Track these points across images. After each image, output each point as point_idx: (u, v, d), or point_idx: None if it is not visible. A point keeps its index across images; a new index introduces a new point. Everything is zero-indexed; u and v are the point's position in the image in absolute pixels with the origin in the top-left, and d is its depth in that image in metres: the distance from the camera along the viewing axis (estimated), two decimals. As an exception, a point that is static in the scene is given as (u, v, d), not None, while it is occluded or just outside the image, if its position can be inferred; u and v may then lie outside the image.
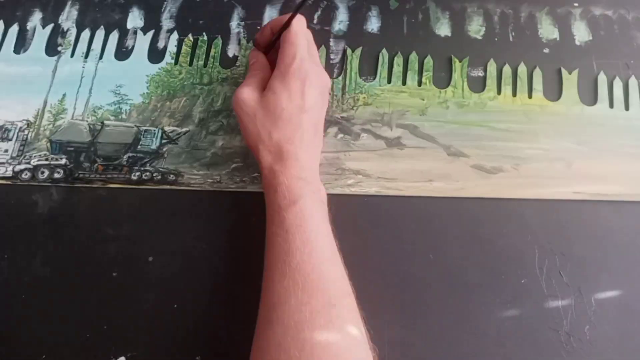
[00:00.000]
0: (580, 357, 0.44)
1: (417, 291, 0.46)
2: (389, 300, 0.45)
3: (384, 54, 0.56)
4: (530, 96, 0.54)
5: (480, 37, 0.57)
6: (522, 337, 0.45)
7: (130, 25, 0.59)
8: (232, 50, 0.57)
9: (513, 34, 0.57)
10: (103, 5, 0.60)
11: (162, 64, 0.56)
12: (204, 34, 0.58)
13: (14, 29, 0.59)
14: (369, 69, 0.55)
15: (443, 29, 0.57)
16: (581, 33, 0.57)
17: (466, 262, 0.47)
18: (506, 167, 0.51)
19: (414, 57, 0.56)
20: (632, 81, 0.54)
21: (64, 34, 0.59)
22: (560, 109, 0.53)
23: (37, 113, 0.54)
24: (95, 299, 0.47)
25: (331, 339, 0.35)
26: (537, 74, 0.55)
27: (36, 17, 0.59)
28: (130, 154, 0.52)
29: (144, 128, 0.53)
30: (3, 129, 0.53)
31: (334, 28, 0.57)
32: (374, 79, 0.55)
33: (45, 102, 0.55)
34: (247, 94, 0.45)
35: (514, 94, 0.54)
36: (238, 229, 0.49)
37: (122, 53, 0.57)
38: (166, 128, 0.53)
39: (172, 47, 0.57)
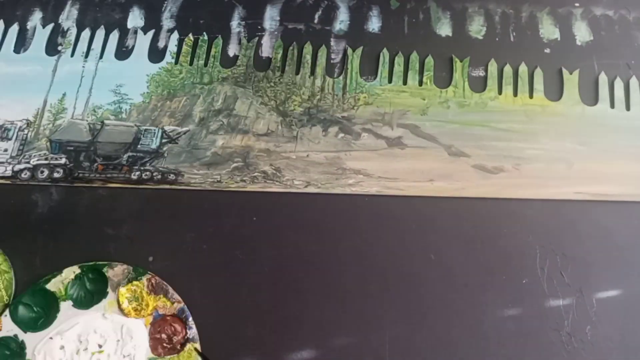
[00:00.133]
0: (581, 357, 0.44)
1: (418, 291, 0.46)
2: (390, 300, 0.45)
3: (385, 54, 0.56)
4: (531, 96, 0.54)
5: (481, 37, 0.57)
6: (524, 337, 0.44)
7: (130, 24, 0.59)
8: (232, 49, 0.57)
9: (514, 34, 0.57)
10: (103, 5, 0.60)
11: (163, 64, 0.56)
12: (204, 33, 0.58)
13: (14, 28, 0.59)
14: (369, 69, 0.55)
15: (444, 29, 0.57)
16: (582, 33, 0.57)
17: (467, 262, 0.47)
18: (507, 167, 0.50)
19: (414, 56, 0.56)
20: (633, 81, 0.54)
21: (64, 33, 0.58)
22: (561, 109, 0.53)
23: (37, 112, 0.54)
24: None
25: None
26: (538, 74, 0.55)
27: (36, 17, 0.59)
28: (130, 154, 0.52)
29: (144, 127, 0.53)
30: (3, 129, 0.53)
31: (335, 28, 0.57)
32: (375, 78, 0.55)
33: (45, 102, 0.55)
34: None
35: (515, 94, 0.54)
36: (238, 228, 0.49)
37: (123, 52, 0.57)
38: (166, 127, 0.53)
39: (172, 47, 0.57)
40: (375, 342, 0.44)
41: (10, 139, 0.53)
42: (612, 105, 0.53)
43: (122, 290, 0.46)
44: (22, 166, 0.51)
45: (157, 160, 0.52)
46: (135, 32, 0.58)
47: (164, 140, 0.53)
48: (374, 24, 0.58)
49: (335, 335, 0.44)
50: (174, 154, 0.52)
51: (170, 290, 0.46)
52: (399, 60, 0.56)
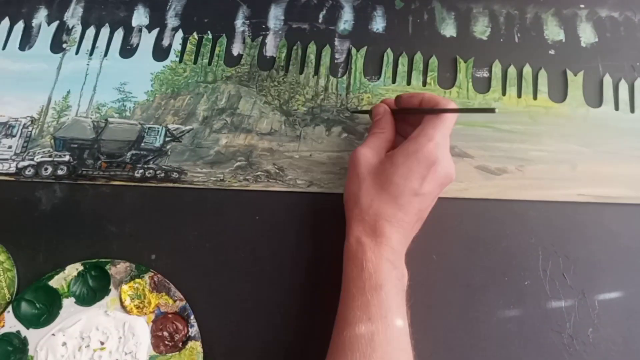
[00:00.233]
0: (583, 359, 0.44)
1: (420, 292, 0.45)
2: (392, 301, 0.45)
3: (389, 54, 0.56)
4: (535, 97, 0.54)
5: (485, 38, 0.57)
6: (525, 338, 0.44)
7: (135, 23, 0.59)
8: (236, 48, 0.57)
9: (518, 35, 0.57)
10: (108, 3, 0.60)
11: (167, 62, 0.56)
12: (208, 32, 0.58)
13: (19, 25, 0.59)
14: (373, 69, 0.55)
15: (448, 30, 0.57)
16: (587, 34, 0.57)
17: (469, 263, 0.47)
18: (510, 169, 0.50)
19: (418, 57, 0.56)
20: (638, 83, 0.54)
21: (69, 31, 0.59)
22: (565, 111, 0.53)
23: (41, 110, 0.54)
24: (97, 296, 0.47)
25: None
26: (543, 76, 0.54)
27: (41, 14, 0.60)
28: (134, 152, 0.52)
29: (148, 126, 0.53)
30: (7, 126, 0.53)
31: (339, 27, 0.57)
32: (379, 78, 0.55)
33: (49, 99, 0.55)
34: (366, 156, 0.42)
35: (519, 95, 0.54)
36: (241, 227, 0.49)
37: (127, 51, 0.57)
38: (170, 126, 0.53)
39: (176, 45, 0.57)
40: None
41: (14, 136, 0.53)
42: (617, 107, 0.53)
43: (125, 287, 0.46)
44: (26, 163, 0.52)
45: (160, 159, 0.52)
46: (140, 30, 0.58)
47: (167, 139, 0.53)
48: (378, 24, 0.58)
49: (336, 334, 0.44)
50: (178, 153, 0.52)
51: (173, 288, 0.46)
52: (403, 60, 0.56)
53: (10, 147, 0.52)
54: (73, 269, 0.47)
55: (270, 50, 0.57)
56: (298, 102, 0.54)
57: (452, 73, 0.55)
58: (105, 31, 0.58)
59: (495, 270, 0.47)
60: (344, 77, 0.55)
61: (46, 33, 0.58)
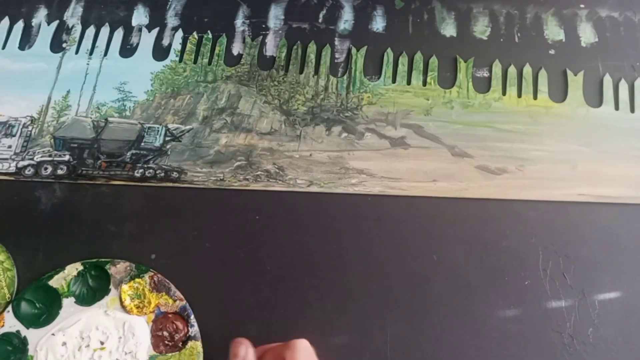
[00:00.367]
0: (583, 359, 0.44)
1: (420, 291, 0.46)
2: (392, 300, 0.45)
3: (389, 54, 0.56)
4: (535, 97, 0.54)
5: (485, 38, 0.57)
6: (525, 338, 0.44)
7: (135, 22, 0.59)
8: (236, 48, 0.57)
9: (519, 34, 0.57)
10: (108, 2, 0.60)
11: (167, 62, 0.56)
12: (208, 32, 0.58)
13: (19, 25, 0.59)
14: (373, 68, 0.55)
15: (448, 29, 0.57)
16: (587, 34, 0.57)
17: (469, 263, 0.47)
18: (510, 168, 0.50)
19: (419, 57, 0.56)
20: (638, 83, 0.54)
21: (68, 30, 0.59)
22: (565, 111, 0.53)
23: (41, 109, 0.54)
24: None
25: None
26: (543, 75, 0.54)
27: (41, 14, 0.59)
28: (134, 151, 0.52)
29: (148, 125, 0.53)
30: (7, 125, 0.53)
31: (339, 27, 0.57)
32: (379, 78, 0.55)
33: (49, 99, 0.55)
34: None
35: (519, 95, 0.54)
36: (241, 227, 0.49)
37: (127, 50, 0.57)
38: (170, 125, 0.53)
39: (176, 45, 0.57)
40: (377, 341, 0.44)
41: (14, 136, 0.53)
42: (617, 107, 0.53)
43: (125, 287, 0.46)
44: (25, 163, 0.52)
45: (160, 158, 0.52)
46: (140, 30, 0.58)
47: (167, 138, 0.53)
48: (378, 24, 0.58)
49: (337, 334, 0.44)
50: (177, 152, 0.52)
51: (173, 287, 0.46)
52: (403, 60, 0.56)
53: (10, 146, 0.52)
54: (73, 269, 0.47)
55: (270, 49, 0.57)
56: (298, 102, 0.54)
57: (452, 73, 0.55)
58: (105, 31, 0.58)
59: (495, 270, 0.47)
60: (344, 77, 0.55)
61: (46, 32, 0.58)
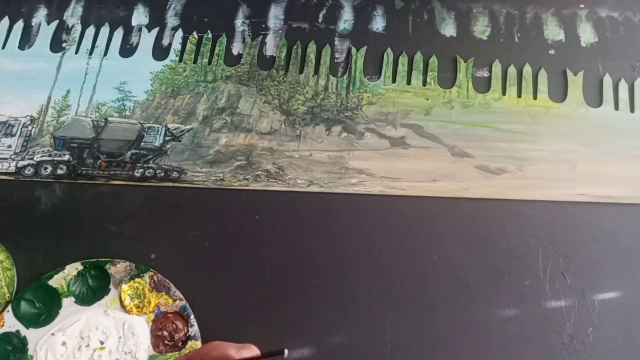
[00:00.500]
0: (582, 358, 0.44)
1: (420, 291, 0.46)
2: (392, 299, 0.45)
3: (389, 54, 0.56)
4: (535, 97, 0.54)
5: (485, 38, 0.57)
6: (525, 338, 0.44)
7: (135, 22, 0.59)
8: (236, 48, 0.57)
9: (518, 34, 0.57)
10: (108, 2, 0.60)
11: (167, 62, 0.56)
12: (208, 31, 0.58)
13: (19, 25, 0.59)
14: (373, 68, 0.55)
15: (448, 29, 0.57)
16: (587, 34, 0.57)
17: (469, 263, 0.47)
18: (510, 168, 0.50)
19: (419, 56, 0.56)
20: (638, 83, 0.54)
21: (68, 30, 0.58)
22: (565, 111, 0.53)
23: (40, 109, 0.54)
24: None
25: None
26: (542, 75, 0.54)
27: (41, 14, 0.59)
28: (134, 151, 0.52)
29: (148, 125, 0.53)
30: (7, 125, 0.53)
31: (339, 27, 0.57)
32: (379, 78, 0.55)
33: (49, 98, 0.55)
34: None
35: (519, 95, 0.54)
36: (241, 226, 0.49)
37: (127, 50, 0.57)
38: (170, 125, 0.53)
39: (176, 45, 0.57)
40: (377, 340, 0.44)
41: (14, 135, 0.53)
42: (617, 107, 0.53)
43: (124, 287, 0.46)
44: (25, 162, 0.51)
45: (160, 158, 0.52)
46: (140, 29, 0.58)
47: (167, 138, 0.53)
48: (378, 24, 0.58)
49: (337, 333, 0.44)
50: (177, 152, 0.52)
51: (172, 287, 0.46)
52: (403, 60, 0.56)
53: (9, 146, 0.52)
54: (73, 269, 0.47)
55: (270, 49, 0.57)
56: (298, 102, 0.54)
57: (452, 73, 0.55)
58: (105, 30, 0.58)
59: (495, 270, 0.47)
60: (344, 77, 0.55)
61: (46, 32, 0.58)
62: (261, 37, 0.57)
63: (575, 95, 0.54)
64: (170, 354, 0.44)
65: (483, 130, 0.52)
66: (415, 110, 0.53)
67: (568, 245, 0.47)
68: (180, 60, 0.56)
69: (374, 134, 0.52)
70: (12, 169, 0.51)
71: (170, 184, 0.50)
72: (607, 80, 0.54)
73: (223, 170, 0.51)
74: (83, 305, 0.46)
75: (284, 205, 0.49)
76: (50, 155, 0.52)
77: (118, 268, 0.46)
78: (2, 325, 0.45)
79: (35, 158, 0.52)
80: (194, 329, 0.45)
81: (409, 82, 0.55)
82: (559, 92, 0.54)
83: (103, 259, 0.47)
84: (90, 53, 0.57)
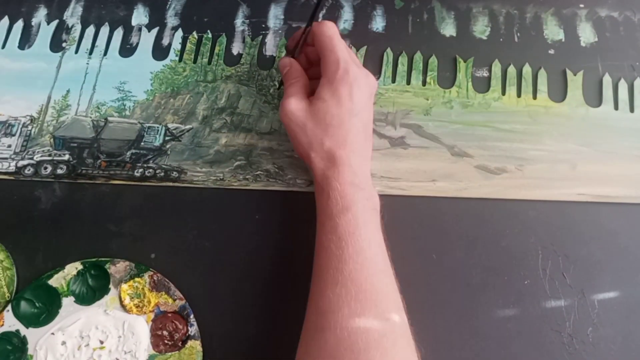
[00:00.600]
0: (582, 358, 0.44)
1: (419, 291, 0.46)
2: (391, 300, 0.45)
3: (389, 53, 0.56)
4: (534, 97, 0.54)
5: (485, 38, 0.57)
6: (525, 338, 0.44)
7: (134, 22, 0.59)
8: (236, 48, 0.57)
9: (518, 34, 0.57)
10: (108, 2, 0.60)
11: (167, 61, 0.56)
12: (208, 31, 0.58)
13: (19, 24, 0.59)
14: (373, 68, 0.55)
15: (448, 29, 0.57)
16: (587, 34, 0.57)
17: (469, 263, 0.47)
18: (510, 168, 0.50)
19: (418, 56, 0.56)
20: (638, 83, 0.54)
21: (68, 30, 0.59)
22: (564, 111, 0.53)
23: (40, 109, 0.54)
24: (97, 295, 0.47)
25: (386, 354, 0.35)
26: (542, 75, 0.54)
27: (41, 13, 0.59)
28: (134, 151, 0.52)
29: (148, 125, 0.53)
30: (7, 125, 0.53)
31: (339, 27, 0.57)
32: (378, 78, 0.55)
33: (49, 98, 0.55)
34: (295, 104, 0.44)
35: (519, 94, 0.54)
36: (241, 226, 0.49)
37: (127, 50, 0.57)
38: (169, 125, 0.53)
39: (176, 45, 0.57)
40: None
41: (14, 135, 0.53)
42: (616, 107, 0.53)
43: (124, 286, 0.46)
44: (25, 162, 0.52)
45: (160, 158, 0.52)
46: (140, 29, 0.58)
47: (167, 138, 0.53)
48: (378, 24, 0.58)
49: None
50: (177, 152, 0.52)
51: (172, 287, 0.46)
52: (403, 60, 0.56)
53: (9, 146, 0.52)
54: (72, 268, 0.47)
55: (270, 49, 0.57)
56: (298, 102, 0.54)
57: (452, 72, 0.55)
58: (104, 30, 0.58)
59: (494, 270, 0.47)
60: (344, 77, 0.55)
61: (46, 32, 0.58)
62: (261, 37, 0.57)
63: (574, 95, 0.54)
64: (169, 353, 0.44)
65: (483, 130, 0.52)
66: (415, 110, 0.53)
67: (568, 245, 0.48)
68: (180, 60, 0.56)
69: (373, 133, 0.52)
70: (12, 168, 0.51)
71: (170, 184, 0.51)
72: (607, 80, 0.54)
73: (223, 170, 0.51)
74: (83, 305, 0.46)
75: (284, 205, 0.49)
76: (50, 155, 0.52)
77: (118, 268, 0.47)
78: (2, 325, 0.45)
79: (35, 158, 0.52)
80: (194, 329, 0.45)
81: (408, 82, 0.55)
82: (559, 92, 0.54)
83: (103, 259, 0.47)
84: (90, 53, 0.57)
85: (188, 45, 0.57)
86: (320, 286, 0.39)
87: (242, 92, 0.55)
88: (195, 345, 0.44)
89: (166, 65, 0.56)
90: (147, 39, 0.58)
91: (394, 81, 0.55)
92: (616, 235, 0.48)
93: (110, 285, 0.46)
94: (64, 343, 0.44)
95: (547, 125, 0.52)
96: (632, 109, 0.53)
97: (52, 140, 0.53)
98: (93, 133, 0.53)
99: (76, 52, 0.57)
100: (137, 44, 0.58)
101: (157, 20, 0.59)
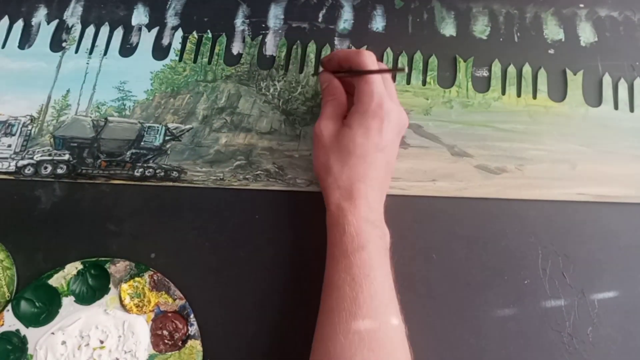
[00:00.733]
0: (582, 358, 0.44)
1: (419, 291, 0.46)
2: (391, 300, 0.45)
3: (389, 53, 0.56)
4: (534, 97, 0.54)
5: (485, 37, 0.57)
6: (525, 337, 0.44)
7: (134, 22, 0.59)
8: (236, 47, 0.57)
9: (518, 34, 0.57)
10: (108, 2, 0.60)
11: (167, 61, 0.56)
12: (208, 31, 0.58)
13: (19, 24, 0.59)
14: (373, 68, 0.55)
15: (448, 29, 0.57)
16: (586, 34, 0.57)
17: (469, 263, 0.47)
18: (510, 168, 0.50)
19: (418, 56, 0.56)
20: (637, 83, 0.54)
21: (68, 30, 0.59)
22: (564, 110, 0.53)
23: (40, 109, 0.54)
24: (97, 294, 0.47)
25: None
26: (542, 75, 0.54)
27: (41, 13, 0.59)
28: (134, 151, 0.52)
29: (148, 125, 0.53)
30: (7, 124, 0.53)
31: (339, 27, 0.57)
32: (378, 78, 0.55)
33: (49, 98, 0.55)
34: (327, 127, 0.44)
35: (519, 94, 0.54)
36: (241, 226, 0.49)
37: (127, 49, 0.57)
38: (169, 125, 0.53)
39: (176, 44, 0.57)
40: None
41: (14, 135, 0.53)
42: (616, 107, 0.53)
43: (124, 286, 0.46)
44: (25, 162, 0.52)
45: (160, 158, 0.52)
46: (140, 29, 0.58)
47: (167, 138, 0.53)
48: (378, 24, 0.58)
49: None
50: (177, 152, 0.52)
51: (172, 287, 0.46)
52: (403, 59, 0.56)
53: (9, 145, 0.52)
54: (72, 268, 0.47)
55: (270, 49, 0.57)
56: (298, 101, 0.54)
57: (452, 72, 0.55)
58: (104, 30, 0.58)
59: (494, 270, 0.47)
60: (344, 76, 0.55)
61: (46, 32, 0.58)
62: (261, 36, 0.57)
63: (574, 94, 0.54)
64: (169, 353, 0.44)
65: (483, 129, 0.52)
66: (415, 110, 0.53)
67: (568, 245, 0.48)
68: (180, 59, 0.56)
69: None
70: (12, 168, 0.51)
71: (170, 184, 0.51)
72: (607, 80, 0.54)
73: (223, 169, 0.51)
74: (83, 305, 0.46)
75: (284, 205, 0.49)
76: (50, 155, 0.52)
77: (118, 267, 0.47)
78: (2, 325, 0.45)
79: (35, 157, 0.52)
80: (194, 328, 0.45)
81: (408, 82, 0.55)
82: (559, 92, 0.54)
83: (103, 258, 0.47)
84: (90, 53, 0.57)
85: (188, 45, 0.57)
86: (331, 328, 0.38)
87: (242, 92, 0.55)
88: (195, 345, 0.44)
89: (166, 65, 0.56)
90: (147, 39, 0.58)
91: (394, 81, 0.55)
92: (616, 235, 0.48)
93: (110, 285, 0.46)
94: (64, 343, 0.44)
95: (547, 125, 0.52)
96: (632, 109, 0.53)
97: (52, 140, 0.53)
98: (93, 133, 0.53)
99: (76, 51, 0.57)
100: (137, 43, 0.58)
101: (157, 20, 0.59)
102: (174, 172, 0.51)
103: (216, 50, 0.57)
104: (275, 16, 0.58)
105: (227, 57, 0.56)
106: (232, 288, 0.46)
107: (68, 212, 0.50)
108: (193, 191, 0.50)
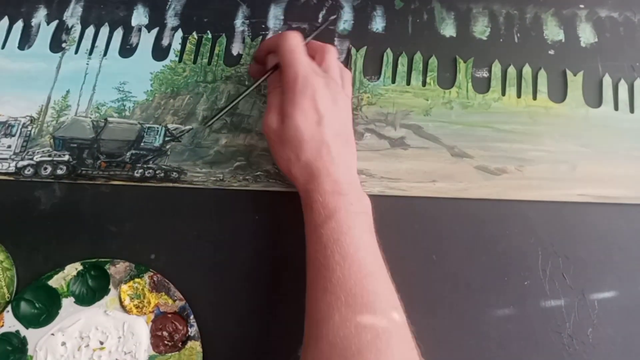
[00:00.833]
0: (582, 359, 0.44)
1: (419, 292, 0.46)
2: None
3: (389, 54, 0.56)
4: (534, 98, 0.54)
5: (485, 38, 0.57)
6: (525, 338, 0.44)
7: (134, 22, 0.59)
8: (236, 48, 0.57)
9: (518, 35, 0.57)
10: (108, 2, 0.60)
11: (166, 62, 0.56)
12: (208, 32, 0.58)
13: (19, 25, 0.59)
14: (373, 69, 0.55)
15: (448, 30, 0.57)
16: (587, 35, 0.57)
17: (469, 263, 0.47)
18: (510, 169, 0.50)
19: (418, 57, 0.56)
20: (638, 83, 0.54)
21: (68, 30, 0.58)
22: (564, 111, 0.53)
23: (40, 109, 0.54)
24: (96, 295, 0.47)
25: (380, 354, 0.35)
26: (542, 76, 0.54)
27: (41, 14, 0.59)
28: (133, 151, 0.52)
29: (147, 125, 0.53)
30: (6, 125, 0.53)
31: (339, 27, 0.57)
32: (378, 78, 0.55)
33: (48, 99, 0.55)
34: (271, 121, 0.45)
35: (519, 95, 0.54)
36: (240, 227, 0.49)
37: (126, 50, 0.57)
38: (169, 125, 0.53)
39: (176, 45, 0.57)
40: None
41: (13, 136, 0.53)
42: (616, 108, 0.53)
43: (124, 287, 0.46)
44: (25, 163, 0.52)
45: (160, 158, 0.52)
46: (139, 30, 0.58)
47: (167, 139, 0.53)
48: (378, 24, 0.58)
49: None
50: (177, 152, 0.52)
51: (172, 287, 0.46)
52: (403, 60, 0.56)
53: (9, 146, 0.52)
54: (72, 269, 0.47)
55: (270, 50, 0.57)
56: (298, 102, 0.54)
57: (452, 73, 0.55)
58: (104, 31, 0.58)
59: (495, 270, 0.47)
60: (344, 77, 0.55)
61: (45, 32, 0.58)
62: (261, 37, 0.57)
63: (575, 95, 0.54)
64: (169, 354, 0.44)
65: (483, 130, 0.52)
66: (415, 111, 0.53)
67: (568, 246, 0.48)
68: (180, 60, 0.56)
69: (373, 134, 0.52)
70: (12, 169, 0.51)
71: (170, 185, 0.50)
72: (607, 81, 0.54)
73: (223, 170, 0.51)
74: (83, 306, 0.46)
75: (284, 205, 0.49)
76: (50, 156, 0.52)
77: (118, 268, 0.47)
78: (2, 326, 0.45)
79: (35, 158, 0.52)
80: (194, 329, 0.45)
81: (408, 83, 0.55)
82: (559, 93, 0.54)
83: (103, 259, 0.47)
84: (90, 53, 0.57)
85: (188, 45, 0.57)
86: (312, 297, 0.39)
87: (242, 92, 0.54)
88: (195, 346, 0.44)
89: (166, 66, 0.56)
90: (147, 40, 0.58)
91: (393, 82, 0.55)
92: (616, 236, 0.48)
93: (110, 286, 0.46)
94: (63, 344, 0.44)
95: (547, 125, 0.52)
96: (632, 110, 0.53)
97: (52, 140, 0.53)
98: (93, 133, 0.53)
99: (76, 52, 0.57)
100: (137, 44, 0.57)
101: (157, 20, 0.59)
102: (174, 173, 0.51)
103: (216, 51, 0.57)
104: (275, 17, 0.58)
105: (227, 57, 0.56)
106: (232, 289, 0.46)
107: (68, 213, 0.50)
108: (193, 192, 0.50)
